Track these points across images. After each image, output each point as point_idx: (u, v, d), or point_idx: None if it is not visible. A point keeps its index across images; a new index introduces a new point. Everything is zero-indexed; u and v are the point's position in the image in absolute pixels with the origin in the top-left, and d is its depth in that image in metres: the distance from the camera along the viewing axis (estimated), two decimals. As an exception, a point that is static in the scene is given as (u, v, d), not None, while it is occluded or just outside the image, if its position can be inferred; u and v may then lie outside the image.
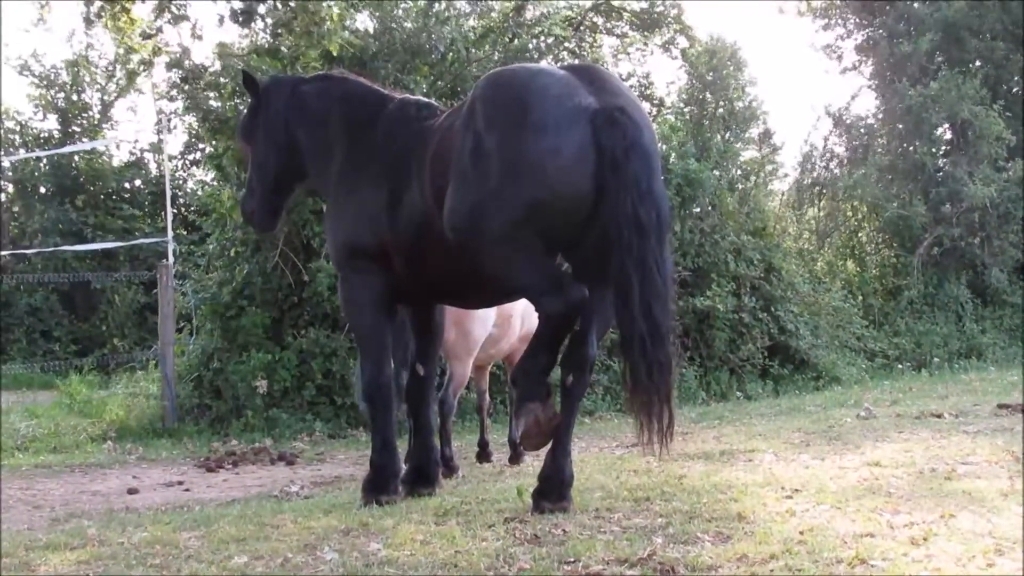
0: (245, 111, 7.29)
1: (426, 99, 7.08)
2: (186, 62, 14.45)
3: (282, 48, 12.86)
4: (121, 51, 19.61)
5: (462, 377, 8.40)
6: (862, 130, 23.50)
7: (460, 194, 5.24)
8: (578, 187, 4.99)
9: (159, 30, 14.10)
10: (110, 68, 25.35)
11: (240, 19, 13.30)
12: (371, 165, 6.22)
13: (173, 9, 13.74)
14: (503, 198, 5.03)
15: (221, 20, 13.41)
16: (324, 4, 12.77)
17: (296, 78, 7.65)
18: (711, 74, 19.52)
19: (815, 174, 23.68)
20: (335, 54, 12.64)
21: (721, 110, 19.34)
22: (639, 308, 4.85)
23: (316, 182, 6.88)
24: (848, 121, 23.57)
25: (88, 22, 14.99)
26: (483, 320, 8.26)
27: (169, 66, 15.68)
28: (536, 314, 8.10)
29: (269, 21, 13.49)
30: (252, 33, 13.84)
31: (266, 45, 13.17)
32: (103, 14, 14.36)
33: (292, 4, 12.81)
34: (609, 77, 5.56)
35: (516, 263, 5.18)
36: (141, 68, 22.67)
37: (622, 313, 4.93)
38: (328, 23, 12.52)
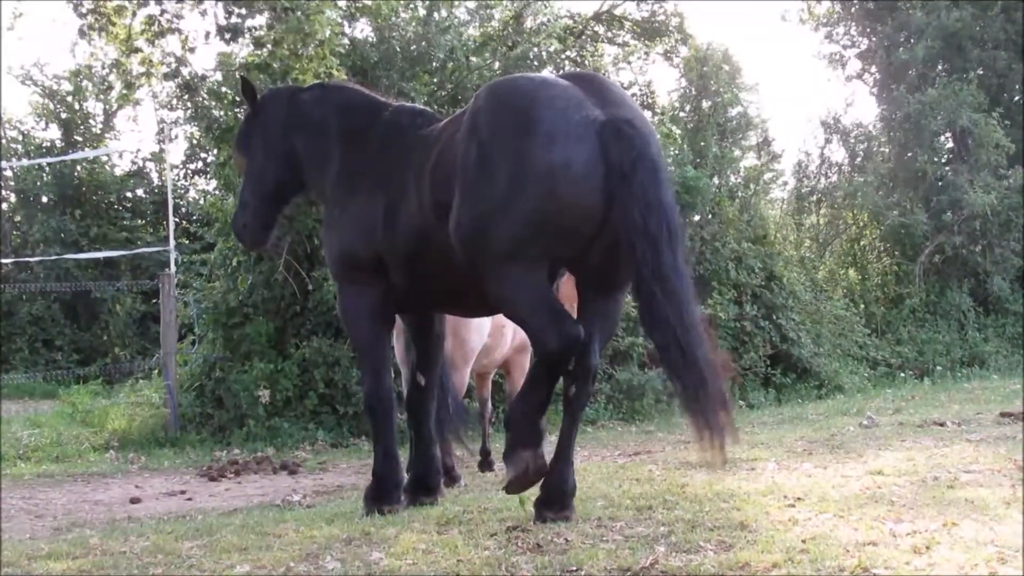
0: (241, 122, 7.28)
1: (421, 107, 7.06)
2: (185, 71, 14.52)
3: (273, 64, 12.86)
4: (120, 61, 19.67)
5: (460, 386, 8.41)
6: (862, 138, 23.53)
7: (466, 208, 5.16)
8: (586, 200, 4.94)
9: (150, 42, 14.18)
10: (107, 80, 25.42)
11: (226, 35, 13.36)
12: (366, 175, 6.18)
13: (163, 22, 13.83)
14: (510, 211, 4.97)
15: (207, 36, 13.51)
16: (316, 26, 12.75)
17: (294, 87, 7.64)
18: (700, 80, 19.52)
19: (812, 182, 23.73)
20: (323, 75, 12.65)
21: (715, 116, 19.32)
22: (662, 317, 4.82)
23: (314, 191, 6.87)
24: (845, 129, 23.60)
25: (83, 34, 15.08)
26: (479, 329, 8.28)
27: (166, 77, 15.76)
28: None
29: (259, 34, 13.51)
30: (250, 43, 13.89)
31: (256, 60, 13.18)
32: (94, 27, 14.47)
33: (286, 18, 12.82)
34: (612, 87, 5.51)
35: (518, 286, 5.11)
36: (126, 87, 22.82)
37: (649, 324, 4.90)
38: (317, 41, 12.50)
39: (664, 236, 4.86)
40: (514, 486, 5.27)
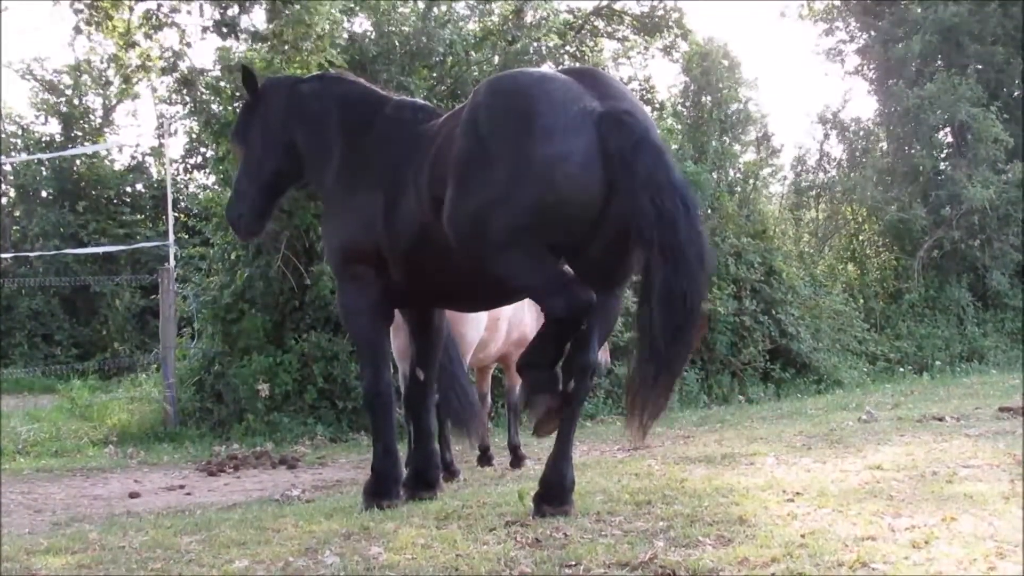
0: (239, 111, 7.25)
1: (422, 101, 7.04)
2: (181, 66, 14.51)
3: (272, 59, 12.82)
4: (118, 55, 19.62)
5: None
6: (860, 133, 23.51)
7: (462, 199, 5.18)
8: (585, 193, 4.95)
9: (147, 36, 14.17)
10: (104, 75, 25.39)
11: (222, 31, 13.36)
12: (367, 169, 6.17)
13: (160, 16, 13.83)
14: (509, 204, 4.98)
15: (204, 31, 13.51)
16: (316, 17, 12.72)
17: (293, 78, 7.61)
18: (702, 76, 19.47)
19: (811, 177, 23.72)
20: (324, 65, 12.64)
21: (716, 112, 19.28)
22: (666, 300, 4.80)
23: (313, 184, 6.85)
24: (843, 124, 23.59)
25: (78, 30, 15.02)
26: (476, 323, 8.27)
27: (163, 71, 15.75)
28: (526, 321, 8.12)
29: (255, 30, 13.48)
30: (247, 39, 13.86)
31: (254, 57, 13.15)
32: (91, 22, 14.47)
33: (288, 12, 12.79)
34: (611, 81, 5.52)
35: (521, 266, 5.13)
36: (124, 81, 22.79)
37: (648, 304, 4.88)
38: (318, 34, 12.48)
39: (681, 212, 4.85)
40: (541, 427, 5.37)
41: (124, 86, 23.70)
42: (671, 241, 4.81)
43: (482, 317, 8.27)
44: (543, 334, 5.36)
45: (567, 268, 5.48)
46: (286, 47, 12.53)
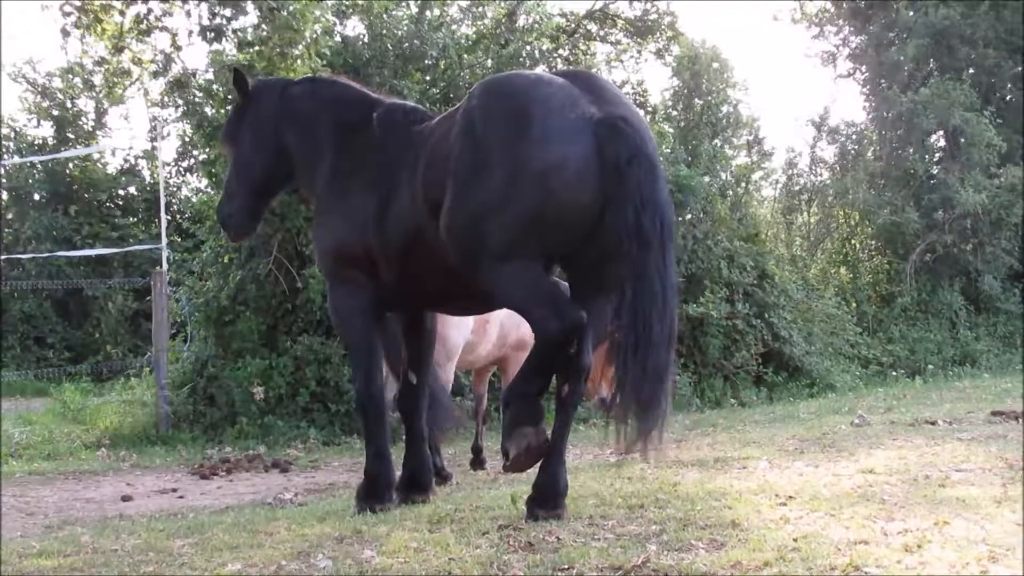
0: (230, 112, 7.25)
1: (413, 104, 7.03)
2: (174, 68, 14.47)
3: (258, 65, 12.80)
4: (106, 59, 19.52)
5: (445, 383, 8.38)
6: (853, 136, 23.56)
7: (460, 204, 5.16)
8: (582, 198, 4.94)
9: (138, 40, 14.11)
10: (90, 79, 25.33)
11: (209, 36, 13.32)
12: (359, 171, 6.15)
13: (150, 20, 13.76)
14: (506, 209, 4.97)
15: (189, 34, 13.49)
16: (304, 25, 12.69)
17: (285, 80, 7.60)
18: (692, 79, 19.50)
19: (803, 181, 23.78)
20: (312, 72, 12.65)
21: (707, 114, 19.30)
22: (632, 316, 4.83)
23: (304, 186, 6.84)
24: (835, 128, 23.64)
25: (65, 33, 14.92)
26: (460, 326, 8.26)
27: (155, 74, 15.71)
28: (517, 321, 8.09)
29: (244, 36, 13.45)
30: (234, 45, 13.82)
31: (245, 60, 13.15)
32: (79, 25, 14.39)
33: (272, 17, 12.75)
34: (607, 85, 5.51)
35: (516, 279, 5.11)
36: (110, 86, 22.74)
37: (618, 321, 4.91)
38: (303, 44, 12.46)
39: (656, 234, 4.86)
40: (517, 464, 5.28)
41: (110, 89, 23.66)
42: (644, 259, 4.83)
43: (467, 319, 8.26)
44: (531, 360, 5.33)
45: (560, 283, 5.49)
46: (275, 53, 12.52)
